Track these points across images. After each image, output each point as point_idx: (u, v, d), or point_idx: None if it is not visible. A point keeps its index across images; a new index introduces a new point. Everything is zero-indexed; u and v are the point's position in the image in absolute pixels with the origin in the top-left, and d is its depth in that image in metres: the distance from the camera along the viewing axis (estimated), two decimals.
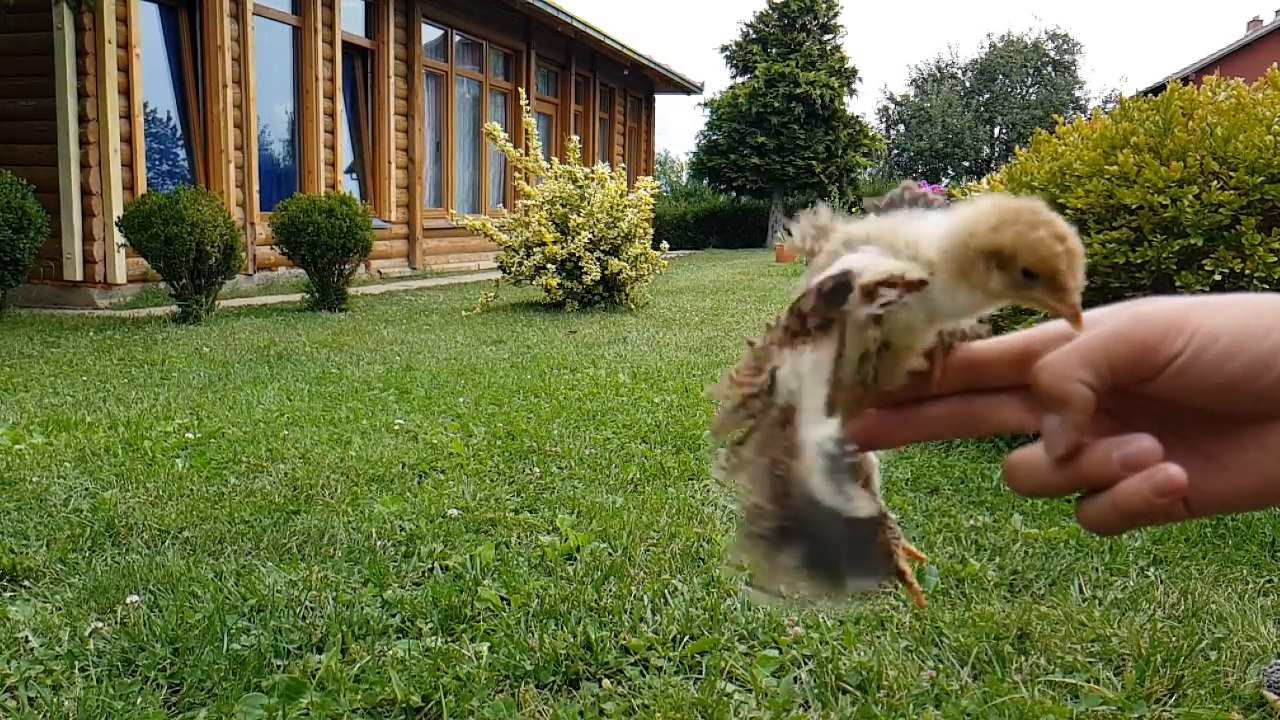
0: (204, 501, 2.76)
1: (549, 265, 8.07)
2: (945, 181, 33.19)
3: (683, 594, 2.14)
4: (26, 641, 1.89)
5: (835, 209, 0.49)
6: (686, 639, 1.93)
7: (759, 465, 0.45)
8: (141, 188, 8.22)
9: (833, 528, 0.44)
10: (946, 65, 44.60)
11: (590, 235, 8.09)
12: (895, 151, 42.30)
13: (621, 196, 8.28)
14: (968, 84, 43.79)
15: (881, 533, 0.46)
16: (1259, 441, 0.41)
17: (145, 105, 8.65)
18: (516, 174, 9.23)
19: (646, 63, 18.44)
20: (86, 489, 2.86)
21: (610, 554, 2.38)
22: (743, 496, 0.46)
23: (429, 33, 13.06)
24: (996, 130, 42.75)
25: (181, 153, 9.50)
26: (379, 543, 2.44)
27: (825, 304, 0.44)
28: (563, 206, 8.30)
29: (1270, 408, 0.40)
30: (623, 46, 16.97)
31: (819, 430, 0.44)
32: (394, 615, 2.03)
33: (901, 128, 43.82)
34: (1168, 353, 0.40)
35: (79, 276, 8.10)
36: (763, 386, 0.46)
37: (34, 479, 2.93)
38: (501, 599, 2.11)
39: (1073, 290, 0.41)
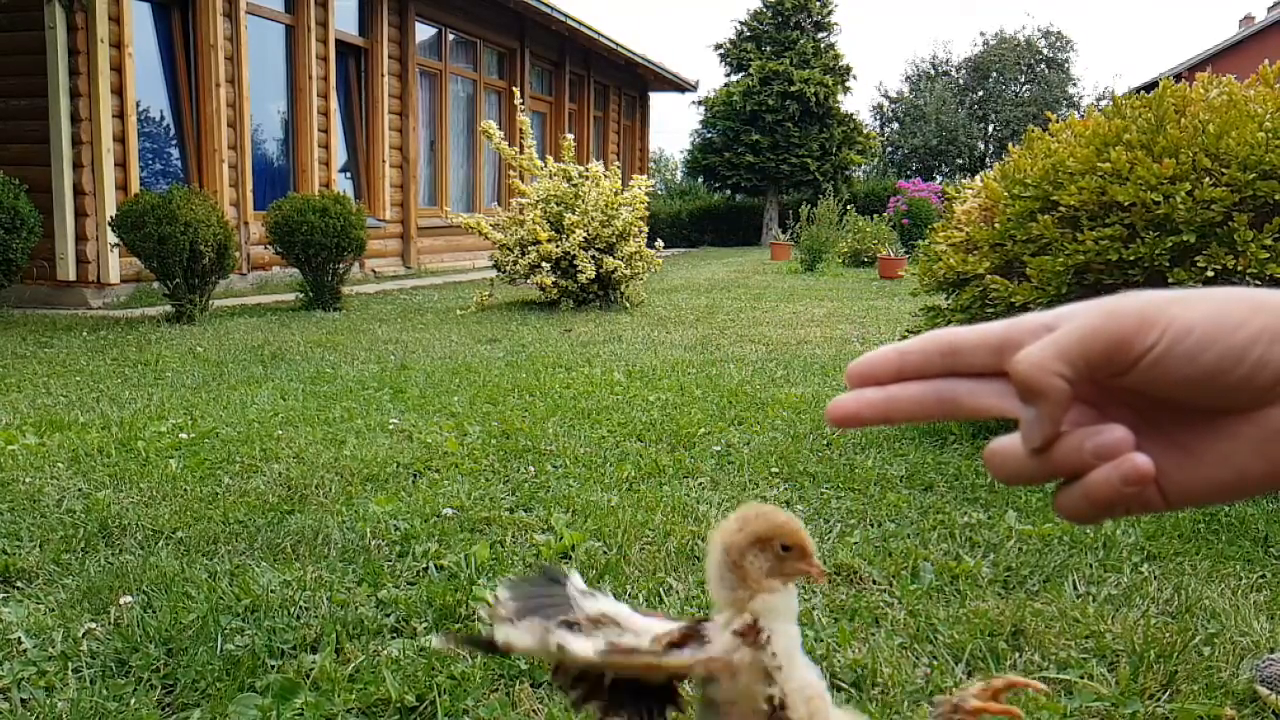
0: (198, 502, 2.75)
1: (544, 264, 8.06)
2: (939, 179, 33.18)
3: (678, 592, 2.14)
4: (19, 643, 1.88)
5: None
6: None
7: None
8: (135, 187, 8.20)
9: None
10: (941, 62, 44.65)
11: (585, 233, 8.08)
12: (889, 149, 42.30)
13: (616, 195, 8.28)
14: (961, 81, 43.82)
15: None
16: (1233, 433, 0.41)
17: (138, 104, 8.62)
18: (511, 172, 9.23)
19: (641, 61, 18.42)
20: (80, 489, 2.86)
21: (605, 552, 2.38)
22: None
23: (423, 31, 13.04)
24: (990, 127, 42.75)
25: (175, 152, 9.47)
26: (373, 542, 2.44)
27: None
28: (557, 205, 8.29)
29: (1244, 399, 0.40)
30: (617, 45, 16.96)
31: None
32: (389, 615, 2.02)
33: (896, 125, 43.83)
34: (1142, 346, 0.40)
35: (72, 276, 8.08)
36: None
37: (27, 479, 2.92)
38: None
39: (814, 554, 0.55)
